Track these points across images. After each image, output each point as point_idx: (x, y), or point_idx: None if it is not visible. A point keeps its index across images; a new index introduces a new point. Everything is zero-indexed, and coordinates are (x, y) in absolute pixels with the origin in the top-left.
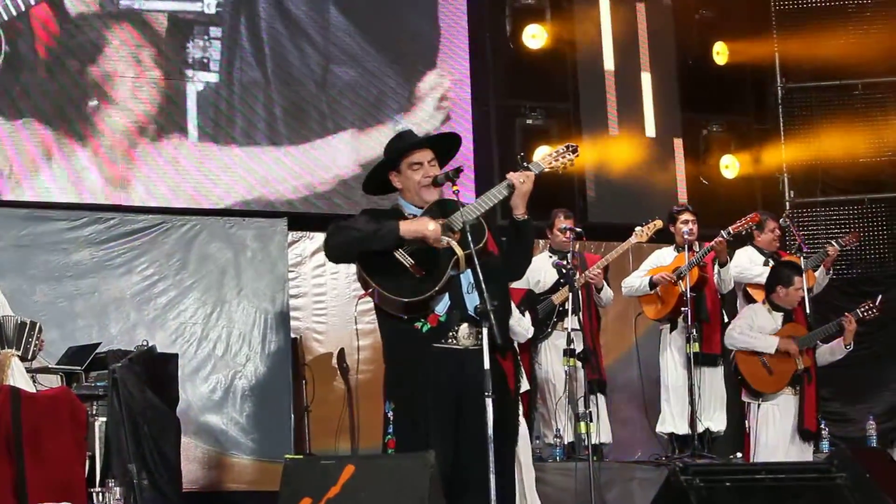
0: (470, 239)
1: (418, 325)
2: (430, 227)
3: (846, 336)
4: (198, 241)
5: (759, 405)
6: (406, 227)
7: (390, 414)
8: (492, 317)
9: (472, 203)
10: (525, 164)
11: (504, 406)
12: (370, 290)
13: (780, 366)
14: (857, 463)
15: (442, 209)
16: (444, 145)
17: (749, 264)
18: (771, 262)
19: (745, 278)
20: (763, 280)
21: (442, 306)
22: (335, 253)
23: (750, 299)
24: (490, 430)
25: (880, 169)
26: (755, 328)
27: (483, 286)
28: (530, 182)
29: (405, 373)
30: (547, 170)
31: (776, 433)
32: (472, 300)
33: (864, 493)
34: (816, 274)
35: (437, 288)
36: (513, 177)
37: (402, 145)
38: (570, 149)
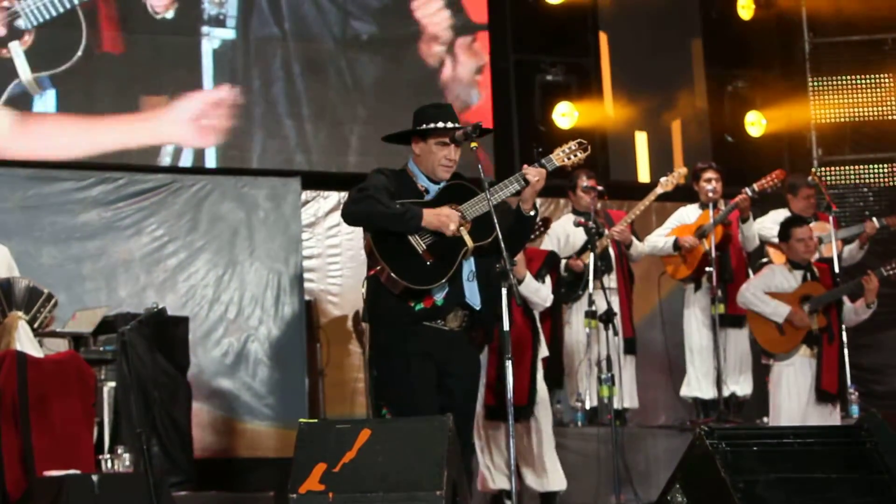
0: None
1: (412, 303)
2: (451, 227)
3: (867, 294)
4: (209, 200)
5: (771, 366)
6: (429, 219)
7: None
8: (511, 276)
9: (485, 193)
10: (540, 160)
11: (473, 379)
12: (378, 269)
13: (793, 326)
14: (889, 427)
15: (456, 194)
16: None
17: (773, 225)
18: None
19: (766, 238)
20: None
21: (441, 293)
22: (354, 220)
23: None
24: (510, 393)
25: None
26: (771, 288)
27: (503, 245)
28: (543, 180)
29: (392, 343)
30: (559, 165)
31: (790, 395)
32: (470, 288)
33: (895, 457)
34: (848, 247)
35: (443, 280)
36: (529, 172)
37: (438, 120)
38: (582, 147)
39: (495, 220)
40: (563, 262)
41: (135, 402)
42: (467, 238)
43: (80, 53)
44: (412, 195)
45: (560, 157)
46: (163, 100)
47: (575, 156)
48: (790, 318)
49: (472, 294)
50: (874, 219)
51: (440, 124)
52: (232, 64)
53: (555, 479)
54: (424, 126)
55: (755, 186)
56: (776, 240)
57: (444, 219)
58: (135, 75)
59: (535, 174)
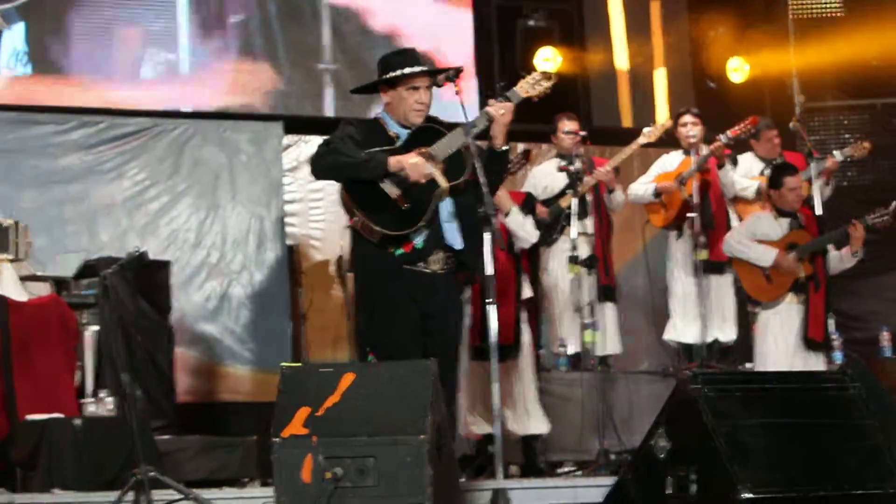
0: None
1: (392, 249)
2: (416, 173)
3: (853, 243)
4: (190, 144)
5: (757, 313)
6: (395, 164)
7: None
8: (493, 221)
9: (454, 132)
10: (504, 93)
11: (456, 322)
12: (355, 219)
13: (781, 273)
14: (871, 373)
15: (426, 136)
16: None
17: (737, 178)
18: (767, 172)
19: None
20: (748, 194)
21: (419, 237)
22: (322, 173)
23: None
24: (494, 338)
25: (893, 73)
26: (758, 235)
27: (485, 190)
28: (510, 113)
29: (375, 290)
30: (524, 97)
31: (776, 343)
32: (450, 229)
33: (879, 403)
34: (814, 185)
35: (420, 224)
36: (492, 108)
37: (404, 66)
38: (546, 76)
39: (476, 157)
40: None
41: (117, 347)
42: (441, 179)
43: None
44: (382, 142)
45: (524, 87)
46: (137, 34)
47: (540, 85)
48: (777, 263)
49: (452, 235)
50: (835, 152)
51: (406, 70)
52: (207, 2)
53: (536, 422)
54: (391, 74)
55: (729, 133)
56: (742, 194)
57: (409, 164)
58: (108, 11)
59: (499, 109)
